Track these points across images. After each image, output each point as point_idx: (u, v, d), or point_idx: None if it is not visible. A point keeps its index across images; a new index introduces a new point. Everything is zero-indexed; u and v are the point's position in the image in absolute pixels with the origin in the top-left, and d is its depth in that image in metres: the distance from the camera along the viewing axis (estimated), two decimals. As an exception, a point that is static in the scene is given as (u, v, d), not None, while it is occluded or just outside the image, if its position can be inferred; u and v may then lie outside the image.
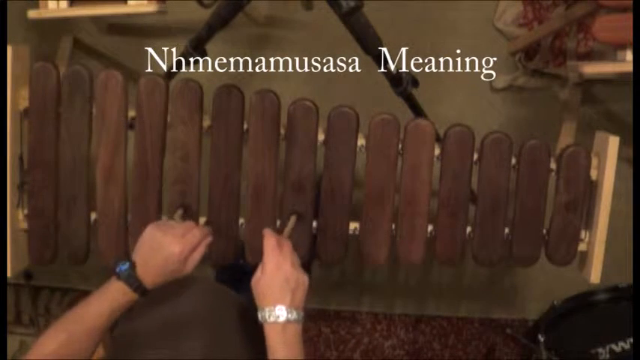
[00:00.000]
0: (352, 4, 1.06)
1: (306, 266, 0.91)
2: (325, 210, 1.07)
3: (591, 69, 1.44)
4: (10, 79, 1.02)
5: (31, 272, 1.88)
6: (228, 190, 1.06)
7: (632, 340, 1.63)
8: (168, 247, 0.85)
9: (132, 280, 0.83)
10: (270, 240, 0.87)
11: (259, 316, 0.82)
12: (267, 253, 0.85)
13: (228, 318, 1.01)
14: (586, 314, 1.69)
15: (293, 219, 1.03)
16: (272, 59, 1.80)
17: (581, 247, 1.11)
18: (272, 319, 0.81)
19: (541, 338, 1.62)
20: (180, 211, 1.03)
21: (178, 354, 0.88)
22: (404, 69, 1.24)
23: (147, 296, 0.85)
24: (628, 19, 1.24)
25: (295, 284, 0.83)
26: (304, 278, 0.85)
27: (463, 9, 1.77)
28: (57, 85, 1.03)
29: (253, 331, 0.93)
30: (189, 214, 1.05)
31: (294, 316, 0.81)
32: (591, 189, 1.09)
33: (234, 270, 1.70)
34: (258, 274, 0.85)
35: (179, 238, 0.86)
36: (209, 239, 0.91)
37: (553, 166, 1.07)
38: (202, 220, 1.08)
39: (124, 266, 0.84)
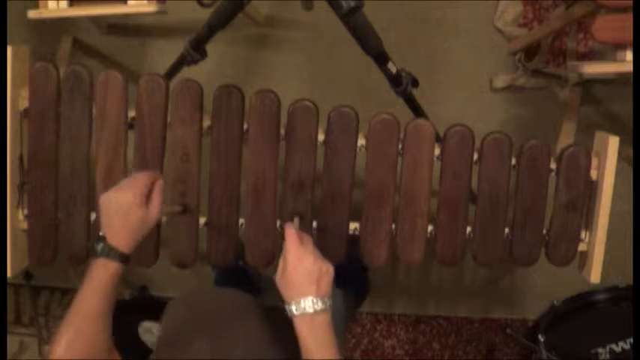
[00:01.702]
0: (352, 4, 1.06)
1: None
2: (325, 210, 1.07)
3: (591, 69, 1.44)
4: (10, 79, 1.02)
5: (31, 272, 1.89)
6: (228, 190, 1.06)
7: (632, 340, 1.63)
8: (121, 199, 0.83)
9: (106, 250, 0.82)
10: (291, 232, 0.87)
11: (287, 310, 0.82)
12: (288, 246, 0.85)
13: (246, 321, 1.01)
14: (586, 314, 1.69)
15: (297, 221, 1.03)
16: (272, 59, 1.81)
17: (581, 247, 1.11)
18: (299, 311, 0.81)
19: (541, 338, 1.62)
20: (179, 208, 1.03)
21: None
22: (404, 69, 1.24)
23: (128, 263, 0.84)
24: (628, 19, 1.24)
25: (319, 274, 0.83)
26: (327, 267, 0.85)
27: (463, 9, 1.77)
28: (57, 85, 1.03)
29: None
30: (189, 215, 1.05)
31: (320, 305, 0.81)
32: (591, 189, 1.09)
33: (235, 272, 1.70)
34: (280, 269, 0.85)
35: (127, 187, 0.85)
36: (160, 181, 0.90)
37: (553, 166, 1.07)
38: (202, 220, 1.08)
39: (97, 243, 0.83)
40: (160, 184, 0.89)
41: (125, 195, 0.84)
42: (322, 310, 0.82)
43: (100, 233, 0.84)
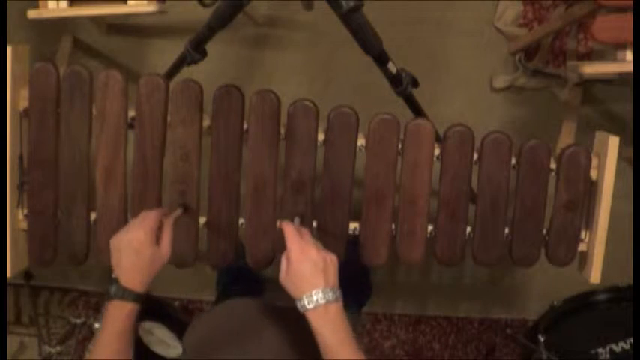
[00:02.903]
0: (352, 4, 1.06)
1: None
2: (325, 210, 1.07)
3: (591, 69, 1.44)
4: (10, 79, 1.02)
5: (31, 272, 1.89)
6: (228, 190, 1.06)
7: (632, 340, 1.63)
8: (132, 238, 0.84)
9: (119, 291, 0.83)
10: (289, 229, 0.87)
11: (299, 306, 0.82)
12: (290, 242, 0.85)
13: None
14: (586, 314, 1.69)
15: (297, 221, 1.03)
16: (272, 59, 1.81)
17: (581, 247, 1.11)
18: (311, 305, 0.80)
19: (541, 338, 1.62)
20: (179, 210, 1.03)
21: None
22: (404, 69, 1.24)
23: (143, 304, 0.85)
24: (628, 19, 1.25)
25: (324, 264, 0.83)
26: (331, 257, 0.85)
27: (463, 9, 1.77)
28: (57, 85, 1.03)
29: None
30: (189, 215, 1.05)
31: (331, 296, 0.81)
32: (591, 189, 1.09)
33: (237, 272, 1.70)
34: (283, 266, 0.85)
35: (137, 226, 0.86)
36: (170, 219, 0.92)
37: (553, 166, 1.07)
38: (202, 220, 1.08)
39: (110, 285, 0.84)
40: (169, 221, 0.91)
41: (135, 234, 0.85)
42: (334, 300, 0.81)
43: (113, 275, 0.85)
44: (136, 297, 0.84)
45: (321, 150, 1.05)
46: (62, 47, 1.74)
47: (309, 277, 0.82)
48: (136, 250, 0.84)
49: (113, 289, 0.83)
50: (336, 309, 0.82)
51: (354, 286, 1.27)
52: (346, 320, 0.83)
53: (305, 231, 0.88)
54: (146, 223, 0.86)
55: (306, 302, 0.81)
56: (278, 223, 1.08)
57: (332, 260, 0.85)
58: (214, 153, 1.04)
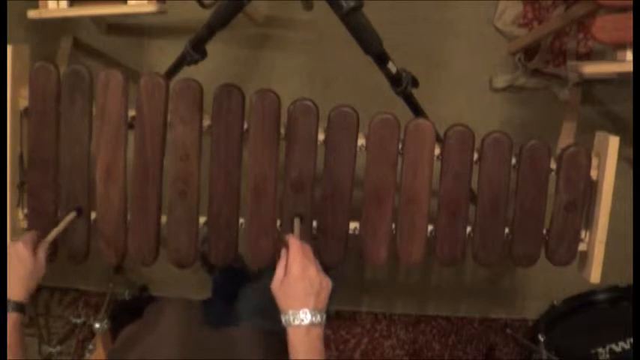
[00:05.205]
0: (352, 4, 1.06)
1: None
2: (325, 210, 1.07)
3: (591, 69, 1.44)
4: (10, 79, 1.02)
5: (30, 272, 1.88)
6: (228, 190, 1.06)
7: (632, 340, 1.63)
8: (11, 251, 0.90)
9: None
10: (295, 243, 0.87)
11: (282, 319, 0.83)
12: (293, 256, 0.85)
13: (200, 333, 1.05)
14: (586, 314, 1.69)
15: (297, 222, 1.03)
16: (272, 59, 1.81)
17: (581, 247, 1.11)
18: (296, 322, 0.81)
19: (541, 338, 1.62)
20: (73, 214, 1.05)
21: None
22: (404, 69, 1.24)
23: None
24: (628, 19, 1.24)
25: (319, 287, 0.84)
26: (327, 282, 0.86)
27: (463, 9, 1.77)
28: (57, 85, 1.03)
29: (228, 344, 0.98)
30: (189, 215, 1.05)
31: (317, 319, 0.82)
32: (591, 189, 1.09)
33: (232, 275, 1.70)
34: (280, 276, 0.85)
35: (14, 242, 0.92)
36: (45, 242, 0.97)
37: (553, 166, 1.07)
38: (202, 220, 1.08)
39: None
40: (44, 243, 0.96)
41: (14, 247, 0.91)
42: (318, 324, 0.82)
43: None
44: (18, 306, 0.88)
45: (321, 150, 1.05)
46: (62, 47, 1.74)
47: (302, 295, 0.83)
48: (15, 265, 0.90)
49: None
50: (318, 332, 0.82)
51: None
52: (322, 345, 0.83)
53: (308, 248, 0.89)
54: (23, 239, 0.92)
55: (291, 318, 0.82)
56: (279, 223, 1.08)
57: (327, 284, 0.86)
58: (214, 153, 1.04)
